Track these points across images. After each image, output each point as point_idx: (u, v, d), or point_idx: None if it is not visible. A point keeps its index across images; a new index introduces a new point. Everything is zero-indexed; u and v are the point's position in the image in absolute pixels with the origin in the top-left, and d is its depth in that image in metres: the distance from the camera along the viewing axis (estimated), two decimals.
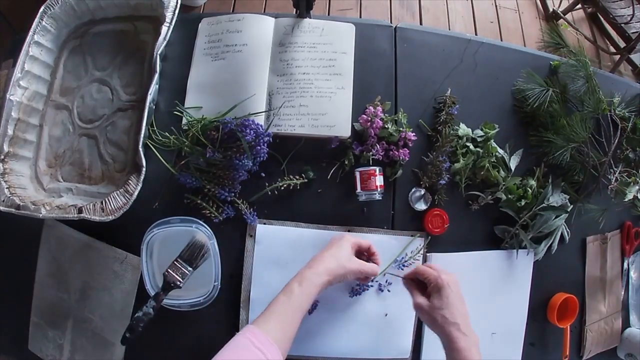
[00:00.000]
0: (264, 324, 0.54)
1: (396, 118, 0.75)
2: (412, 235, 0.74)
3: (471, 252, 0.77)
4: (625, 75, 2.11)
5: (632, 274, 0.90)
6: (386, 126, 0.73)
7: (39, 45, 0.77)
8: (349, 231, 0.74)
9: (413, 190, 0.76)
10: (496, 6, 2.15)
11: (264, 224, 0.72)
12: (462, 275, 0.76)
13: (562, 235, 0.80)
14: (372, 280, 0.73)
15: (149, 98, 0.69)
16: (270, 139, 0.71)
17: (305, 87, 0.75)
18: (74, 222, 0.69)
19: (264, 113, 0.73)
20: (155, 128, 0.73)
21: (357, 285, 0.73)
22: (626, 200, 0.78)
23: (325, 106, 0.74)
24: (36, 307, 0.76)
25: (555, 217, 0.76)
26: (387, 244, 0.74)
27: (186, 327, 0.72)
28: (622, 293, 0.89)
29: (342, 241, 0.66)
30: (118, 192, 0.66)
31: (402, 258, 0.74)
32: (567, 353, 0.80)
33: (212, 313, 0.70)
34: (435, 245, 0.76)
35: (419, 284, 0.66)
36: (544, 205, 0.75)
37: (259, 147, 0.69)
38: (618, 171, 0.79)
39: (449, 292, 0.61)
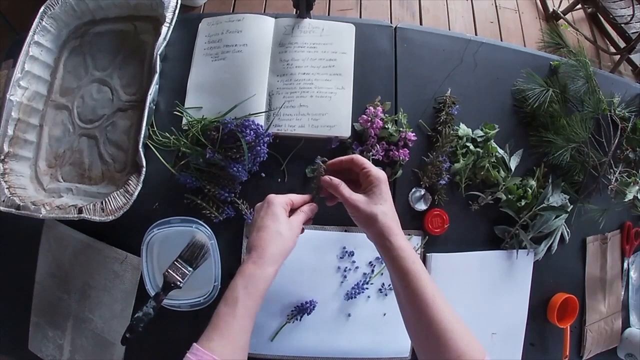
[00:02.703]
0: (207, 342, 0.48)
1: (396, 118, 0.75)
2: (409, 235, 0.74)
3: (471, 252, 0.77)
4: (625, 75, 2.11)
5: (632, 274, 0.90)
6: (386, 126, 0.73)
7: (39, 45, 0.77)
8: (346, 231, 0.74)
9: (413, 190, 0.76)
10: (496, 6, 2.16)
11: None
12: (462, 275, 0.77)
13: (562, 235, 0.80)
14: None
15: (149, 98, 0.69)
16: (270, 139, 0.71)
17: (305, 87, 0.75)
18: (74, 222, 0.69)
19: (264, 113, 0.73)
20: (155, 128, 0.73)
21: (352, 289, 0.73)
22: (626, 200, 0.78)
23: (325, 106, 0.74)
24: (36, 307, 0.76)
25: (555, 217, 0.76)
26: None
27: (186, 327, 0.72)
28: (622, 293, 0.89)
29: (272, 209, 0.55)
30: (118, 192, 0.66)
31: None
32: (567, 353, 0.80)
33: (212, 313, 0.70)
34: (435, 245, 0.76)
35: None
36: (544, 205, 0.75)
37: (259, 148, 0.69)
38: (618, 171, 0.79)
39: (386, 188, 0.55)
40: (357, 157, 0.58)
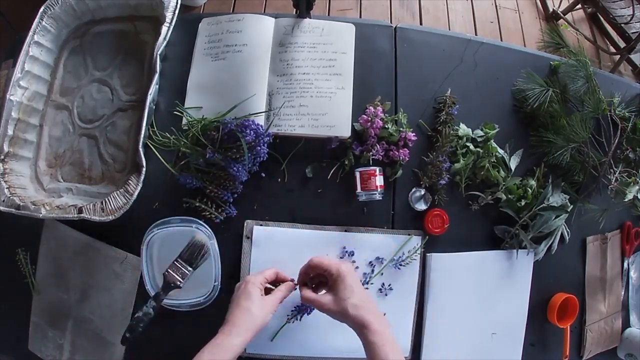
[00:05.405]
0: None
1: (396, 118, 0.75)
2: (409, 235, 0.74)
3: (471, 252, 0.77)
4: (625, 75, 2.11)
5: (632, 274, 0.90)
6: (386, 126, 0.73)
7: (39, 45, 0.77)
8: (346, 231, 0.74)
9: (413, 190, 0.76)
10: (496, 6, 2.15)
11: (261, 225, 0.72)
12: (462, 275, 0.77)
13: (562, 235, 0.80)
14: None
15: (149, 98, 0.69)
16: (270, 139, 0.71)
17: (305, 87, 0.75)
18: (74, 222, 0.69)
19: (264, 113, 0.73)
20: (155, 128, 0.73)
21: None
22: (626, 200, 0.78)
23: (325, 106, 0.74)
24: (36, 307, 0.76)
25: (555, 217, 0.76)
26: (386, 244, 0.74)
27: (186, 327, 0.72)
28: (622, 293, 0.89)
29: (247, 288, 0.60)
30: (118, 192, 0.66)
31: (400, 257, 0.74)
32: (567, 353, 0.80)
33: (212, 313, 0.70)
34: (435, 245, 0.76)
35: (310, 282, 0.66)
36: (544, 205, 0.75)
37: (259, 148, 0.69)
38: (618, 171, 0.79)
39: (352, 280, 0.60)
40: (313, 260, 0.63)
